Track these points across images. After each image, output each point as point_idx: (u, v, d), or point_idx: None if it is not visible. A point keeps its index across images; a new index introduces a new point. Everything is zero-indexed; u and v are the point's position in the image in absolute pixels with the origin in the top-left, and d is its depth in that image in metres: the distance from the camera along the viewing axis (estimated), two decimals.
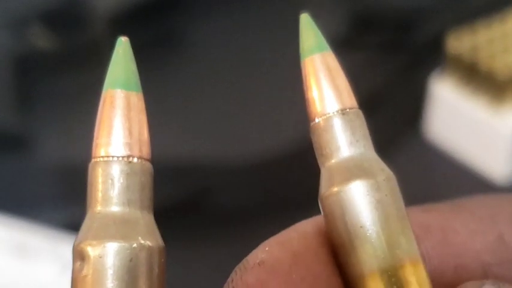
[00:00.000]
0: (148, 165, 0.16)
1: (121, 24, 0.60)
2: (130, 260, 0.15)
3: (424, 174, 0.56)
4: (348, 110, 0.18)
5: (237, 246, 0.51)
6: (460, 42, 0.53)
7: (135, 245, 0.15)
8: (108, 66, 0.17)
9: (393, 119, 0.59)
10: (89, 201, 0.16)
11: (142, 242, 0.15)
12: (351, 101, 0.18)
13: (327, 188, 0.17)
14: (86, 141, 0.63)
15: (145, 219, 0.16)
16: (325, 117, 0.18)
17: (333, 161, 0.17)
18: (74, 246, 0.15)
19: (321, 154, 0.18)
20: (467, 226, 0.21)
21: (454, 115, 0.55)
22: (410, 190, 0.60)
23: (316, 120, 0.18)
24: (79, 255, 0.15)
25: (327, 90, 0.18)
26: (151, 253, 0.15)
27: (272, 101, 0.59)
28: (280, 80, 0.61)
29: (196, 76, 0.62)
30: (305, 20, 0.18)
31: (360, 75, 0.61)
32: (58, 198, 0.51)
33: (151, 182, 0.16)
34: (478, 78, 0.53)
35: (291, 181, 0.53)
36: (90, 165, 0.16)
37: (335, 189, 0.17)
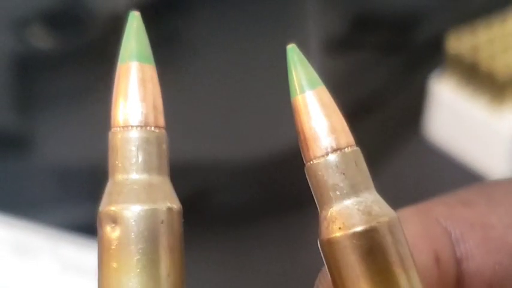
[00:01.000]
0: (164, 132, 0.17)
1: (121, 24, 0.60)
2: (162, 222, 0.16)
3: (424, 175, 0.56)
4: (345, 149, 0.17)
5: (237, 246, 0.51)
6: (460, 43, 0.53)
7: (164, 208, 0.16)
8: (122, 40, 0.18)
9: (393, 119, 0.59)
10: (111, 169, 0.16)
11: (169, 205, 0.16)
12: (347, 139, 0.18)
13: (329, 233, 0.17)
14: (86, 141, 0.63)
15: (166, 184, 0.17)
16: (322, 157, 0.17)
17: (333, 205, 0.17)
18: (101, 211, 0.16)
19: (320, 197, 0.17)
20: (502, 220, 0.20)
21: (454, 115, 0.55)
22: (411, 190, 0.60)
23: (313, 161, 0.17)
24: (110, 218, 0.16)
25: (322, 129, 0.17)
26: (177, 215, 0.17)
27: (272, 101, 0.59)
28: (280, 81, 0.61)
29: (196, 76, 0.62)
30: (293, 53, 0.18)
31: (360, 75, 0.61)
32: (58, 198, 0.51)
33: (167, 148, 0.17)
34: (478, 78, 0.53)
35: (291, 181, 0.52)
36: (110, 135, 0.17)
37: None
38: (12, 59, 0.57)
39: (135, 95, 0.17)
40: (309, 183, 0.17)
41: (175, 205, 0.17)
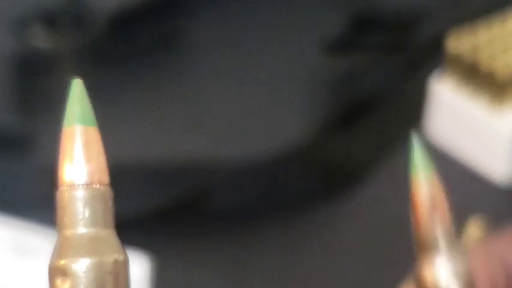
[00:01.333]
0: (108, 189, 0.18)
1: (121, 25, 0.60)
2: (109, 273, 0.17)
3: None
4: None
5: (237, 246, 0.51)
6: (460, 43, 0.53)
7: (111, 259, 0.17)
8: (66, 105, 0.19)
9: (393, 119, 0.59)
10: (60, 225, 0.18)
11: (116, 256, 0.17)
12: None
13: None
14: None
15: (112, 237, 0.18)
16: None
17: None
18: (51, 265, 0.17)
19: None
20: None
21: (454, 115, 0.55)
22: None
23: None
24: (60, 272, 0.17)
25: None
26: (123, 265, 0.17)
27: (272, 101, 0.59)
28: (280, 81, 0.61)
29: (196, 77, 0.62)
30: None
31: (360, 75, 0.61)
32: None
33: (112, 203, 0.18)
34: (478, 78, 0.53)
35: (291, 181, 0.53)
36: (57, 194, 0.18)
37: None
38: (12, 59, 0.57)
39: (80, 156, 0.18)
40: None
41: (122, 256, 0.18)
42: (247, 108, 0.59)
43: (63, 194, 0.18)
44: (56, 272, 0.17)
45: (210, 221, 0.50)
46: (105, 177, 0.18)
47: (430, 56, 0.59)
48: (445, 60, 0.54)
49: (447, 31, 0.55)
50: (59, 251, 0.17)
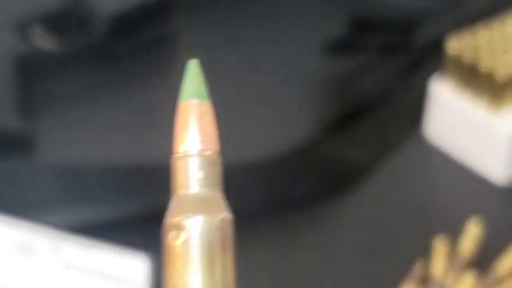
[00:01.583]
0: (218, 156, 0.21)
1: (122, 25, 0.60)
2: (218, 228, 0.19)
3: (424, 175, 0.56)
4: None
5: (236, 246, 0.51)
6: (460, 44, 0.54)
7: (219, 217, 0.19)
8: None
9: (394, 120, 0.59)
10: (175, 187, 0.20)
11: (223, 215, 0.20)
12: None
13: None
14: (87, 142, 0.63)
15: (221, 198, 0.20)
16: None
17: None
18: (167, 221, 0.20)
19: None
20: None
21: (454, 116, 0.55)
22: (411, 191, 0.60)
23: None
24: (176, 227, 0.19)
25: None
26: (229, 223, 0.20)
27: (272, 102, 0.60)
28: (280, 82, 0.62)
29: None
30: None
31: (361, 76, 0.61)
32: (60, 199, 0.51)
33: (220, 168, 0.20)
34: (478, 80, 0.53)
35: (291, 181, 0.53)
36: (172, 160, 0.21)
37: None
38: (15, 60, 0.58)
39: (194, 126, 0.21)
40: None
41: (228, 215, 0.20)
42: (248, 108, 0.59)
43: (179, 159, 0.20)
44: (171, 228, 0.20)
45: None
46: (216, 146, 0.20)
47: (430, 58, 0.60)
48: (445, 61, 0.55)
49: (447, 33, 0.55)
50: (175, 209, 0.20)
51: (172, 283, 0.19)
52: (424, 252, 0.48)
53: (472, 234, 0.48)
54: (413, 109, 0.57)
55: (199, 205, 0.20)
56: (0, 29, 0.59)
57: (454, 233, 0.49)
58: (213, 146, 0.20)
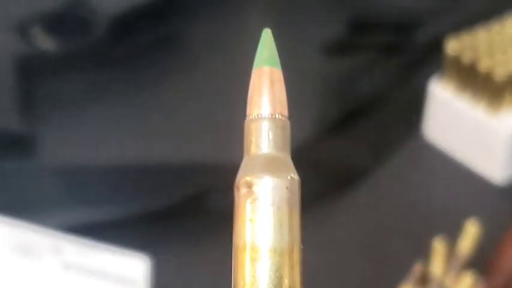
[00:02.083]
0: (287, 121, 0.22)
1: (123, 26, 0.60)
2: (287, 188, 0.20)
3: (424, 175, 0.56)
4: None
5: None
6: (460, 45, 0.54)
7: (288, 177, 0.20)
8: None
9: (393, 120, 0.59)
10: (247, 148, 0.21)
11: (292, 175, 0.21)
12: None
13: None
14: (87, 142, 0.63)
15: (288, 159, 0.21)
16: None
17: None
18: (239, 179, 0.21)
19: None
20: None
21: (453, 116, 0.55)
22: (410, 190, 0.60)
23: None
24: (247, 185, 0.20)
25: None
26: (297, 182, 0.21)
27: None
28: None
29: (197, 77, 0.62)
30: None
31: (360, 76, 0.61)
32: (61, 200, 0.51)
33: (289, 132, 0.22)
34: (477, 80, 0.53)
35: None
36: (246, 122, 0.22)
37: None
38: (15, 60, 0.58)
39: (266, 92, 0.22)
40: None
41: (296, 175, 0.21)
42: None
43: (251, 122, 0.22)
44: (243, 185, 0.21)
45: (210, 221, 0.50)
46: (285, 111, 0.22)
47: (429, 58, 0.60)
48: (444, 62, 0.55)
49: (446, 33, 0.55)
50: (246, 168, 0.21)
51: (241, 238, 0.20)
52: (424, 251, 0.48)
53: (471, 234, 0.48)
54: (413, 109, 0.57)
55: (270, 165, 0.21)
56: (1, 29, 0.59)
57: (454, 233, 0.49)
58: (283, 111, 0.22)
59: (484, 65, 0.52)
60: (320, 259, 0.49)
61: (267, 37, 0.22)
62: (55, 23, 0.60)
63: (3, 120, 0.55)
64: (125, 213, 0.50)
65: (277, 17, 0.66)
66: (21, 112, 0.56)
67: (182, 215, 0.51)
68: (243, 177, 0.21)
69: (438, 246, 0.48)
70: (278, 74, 0.22)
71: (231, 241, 0.20)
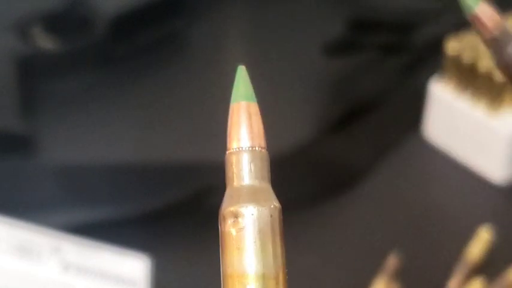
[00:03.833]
0: (266, 152, 0.23)
1: (123, 26, 0.60)
2: (271, 216, 0.22)
3: (424, 175, 0.56)
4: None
5: None
6: (460, 45, 0.54)
7: (272, 206, 0.22)
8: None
9: (393, 120, 0.59)
10: (228, 180, 0.22)
11: (275, 203, 0.22)
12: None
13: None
14: (87, 142, 0.63)
15: (269, 189, 0.22)
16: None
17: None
18: (223, 210, 0.22)
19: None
20: None
21: (453, 117, 0.55)
22: (410, 190, 0.60)
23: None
24: (232, 215, 0.22)
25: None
26: (279, 211, 0.22)
27: (272, 102, 0.60)
28: (280, 82, 0.62)
29: (197, 77, 0.62)
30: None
31: (360, 76, 0.61)
32: (61, 199, 0.51)
33: (268, 163, 0.23)
34: (477, 80, 0.53)
35: (291, 181, 0.53)
36: (227, 155, 0.23)
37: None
38: (15, 60, 0.58)
39: (245, 125, 0.23)
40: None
41: (277, 204, 0.22)
42: None
43: (232, 155, 0.23)
44: (228, 215, 0.22)
45: (210, 221, 0.50)
46: (264, 143, 0.23)
47: (429, 58, 0.60)
48: (444, 62, 0.55)
49: (446, 33, 0.55)
50: (231, 199, 0.22)
51: (230, 266, 0.22)
52: (423, 251, 0.48)
53: (482, 240, 0.48)
54: (413, 109, 0.57)
55: (253, 195, 0.22)
56: (1, 29, 0.59)
57: (453, 232, 0.49)
58: (261, 143, 0.23)
59: (484, 65, 0.52)
60: (320, 259, 0.49)
61: (242, 73, 0.23)
62: (55, 23, 0.60)
63: (3, 120, 0.55)
64: (125, 213, 0.50)
65: (277, 16, 0.67)
66: (21, 112, 0.56)
67: (182, 215, 0.51)
68: (228, 208, 0.22)
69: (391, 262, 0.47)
70: (255, 107, 0.23)
71: None
